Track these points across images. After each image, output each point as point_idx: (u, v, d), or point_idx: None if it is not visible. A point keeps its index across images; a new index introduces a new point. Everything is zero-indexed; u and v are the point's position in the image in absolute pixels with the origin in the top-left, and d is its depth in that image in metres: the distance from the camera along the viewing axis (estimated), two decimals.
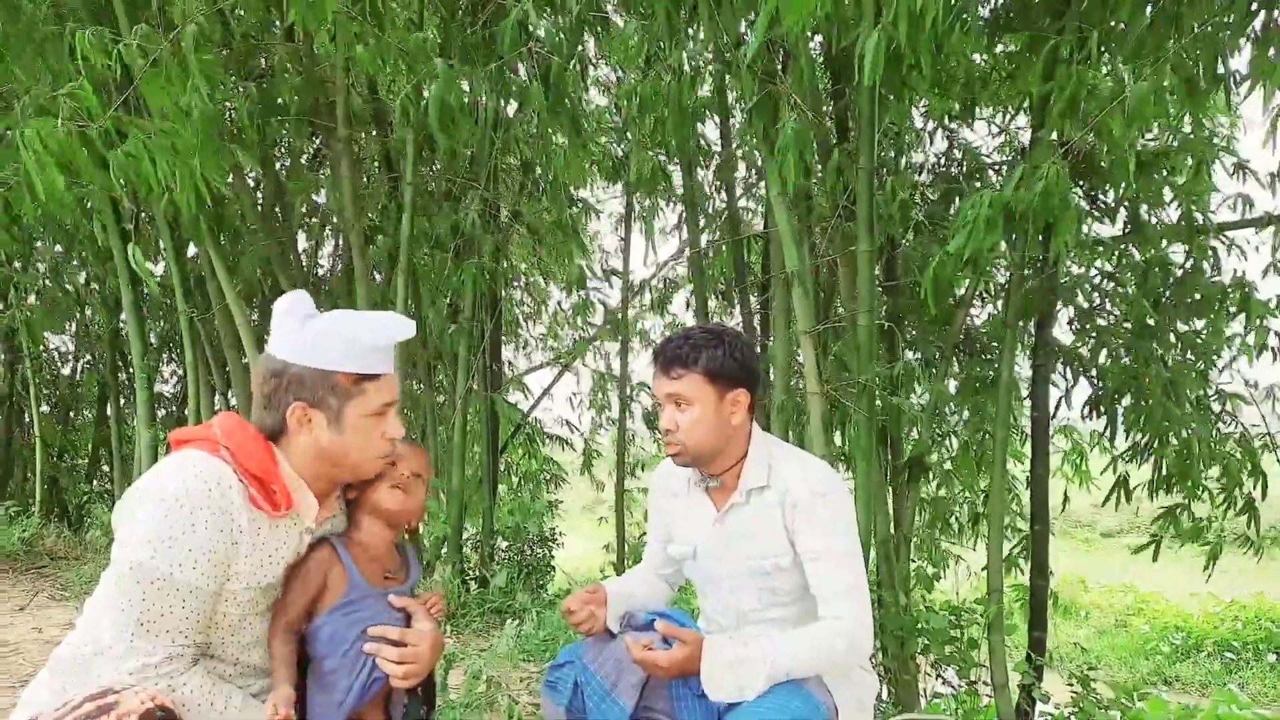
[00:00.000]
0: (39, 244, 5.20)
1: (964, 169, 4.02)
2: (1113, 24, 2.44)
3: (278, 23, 4.01)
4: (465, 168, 4.41)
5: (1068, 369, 3.95)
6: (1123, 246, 3.87)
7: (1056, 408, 3.90)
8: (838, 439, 3.81)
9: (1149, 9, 2.45)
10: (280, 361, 1.38)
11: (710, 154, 4.67)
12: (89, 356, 6.98)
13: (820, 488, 1.67)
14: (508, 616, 3.88)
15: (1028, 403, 3.91)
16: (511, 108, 4.34)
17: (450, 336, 4.35)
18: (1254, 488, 3.57)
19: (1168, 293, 3.73)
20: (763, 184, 4.13)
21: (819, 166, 3.34)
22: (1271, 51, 2.36)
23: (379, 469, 1.49)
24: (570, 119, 3.30)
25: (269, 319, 1.45)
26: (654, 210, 5.55)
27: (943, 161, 4.21)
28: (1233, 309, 3.59)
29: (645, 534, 3.80)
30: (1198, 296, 3.60)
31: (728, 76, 3.30)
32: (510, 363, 6.71)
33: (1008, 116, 4.04)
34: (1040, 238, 3.20)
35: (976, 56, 3.56)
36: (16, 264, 5.48)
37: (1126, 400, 3.74)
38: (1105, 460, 4.02)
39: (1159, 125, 3.57)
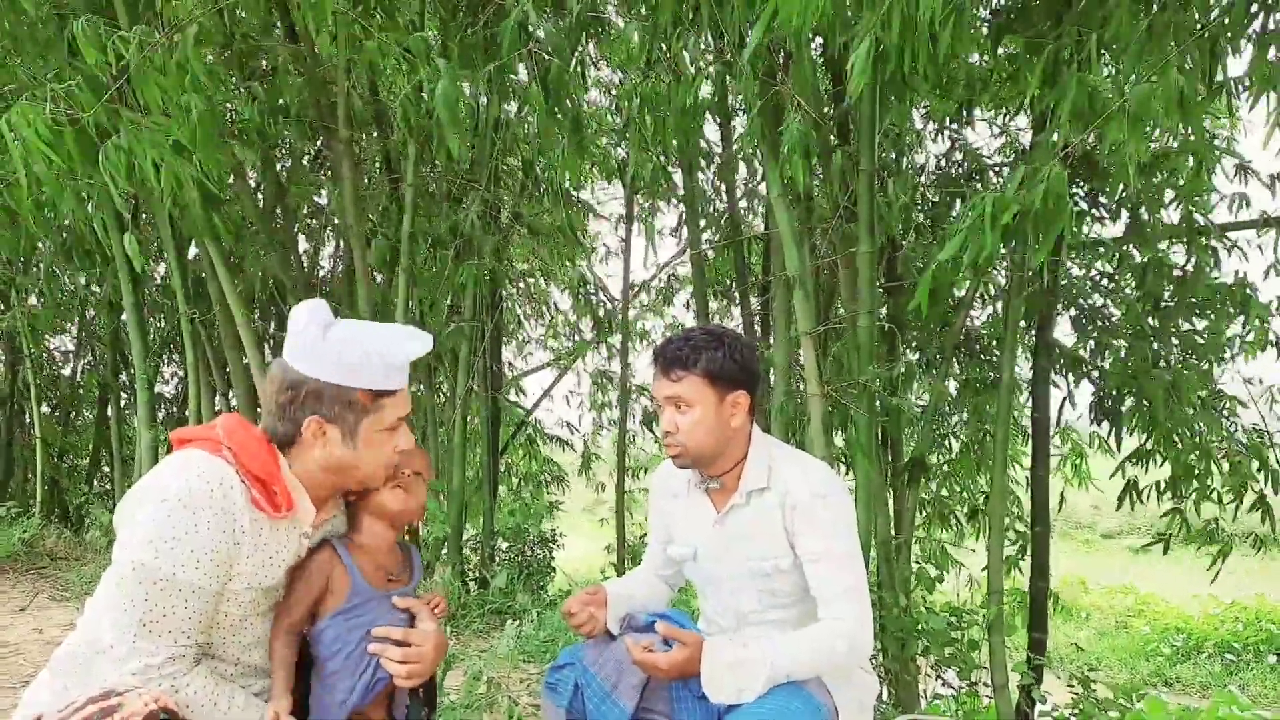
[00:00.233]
0: (39, 246, 5.20)
1: (965, 170, 4.03)
2: (1112, 27, 2.44)
3: (279, 23, 4.01)
4: (466, 169, 4.41)
5: (1069, 371, 3.95)
6: (1123, 248, 3.86)
7: (1060, 409, 3.90)
8: (838, 440, 3.81)
9: (1145, 13, 2.45)
10: (298, 374, 1.38)
11: (711, 155, 4.67)
12: (90, 357, 6.99)
13: (820, 489, 1.67)
14: (508, 617, 3.88)
15: (1028, 404, 3.91)
16: (512, 109, 4.35)
17: (450, 337, 4.35)
18: (1266, 484, 3.56)
19: (1169, 294, 3.73)
20: (763, 185, 4.13)
21: (819, 168, 3.34)
22: (1273, 53, 2.36)
23: (386, 478, 1.49)
24: (571, 120, 3.30)
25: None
26: (654, 211, 5.55)
27: (944, 163, 4.21)
28: (1233, 310, 3.59)
29: (646, 535, 3.80)
30: (1198, 298, 3.60)
31: (729, 77, 3.30)
32: (510, 363, 6.72)
33: (1008, 118, 4.04)
34: (1039, 238, 3.20)
35: (976, 58, 3.56)
36: (18, 265, 5.49)
37: (1129, 402, 3.73)
38: (1105, 461, 4.02)
39: (1160, 128, 3.57)
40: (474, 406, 4.60)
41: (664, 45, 2.94)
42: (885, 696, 3.17)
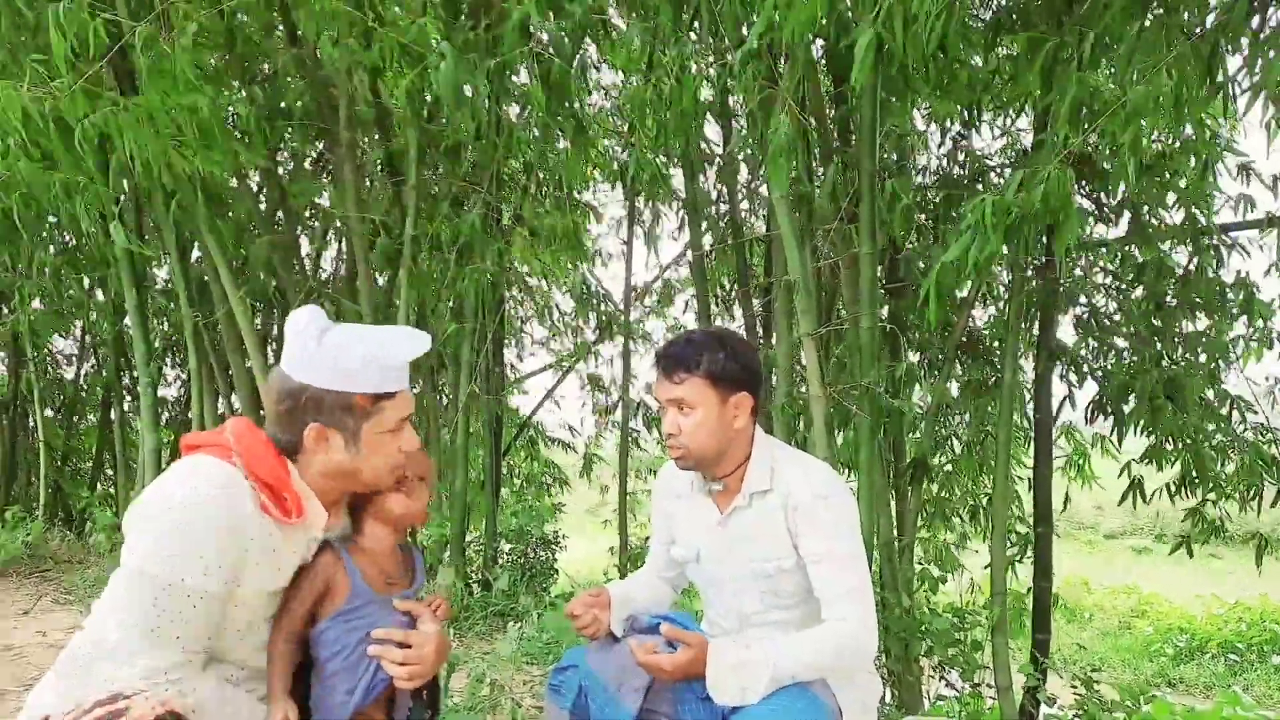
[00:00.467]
0: (41, 251, 5.21)
1: (967, 171, 4.03)
2: (1111, 27, 2.44)
3: (281, 26, 4.02)
4: (468, 171, 4.42)
5: (1071, 371, 3.95)
6: (1126, 248, 3.86)
7: (1059, 409, 3.90)
8: (840, 441, 3.81)
9: (1141, 14, 2.45)
10: (296, 382, 1.38)
11: (712, 157, 4.67)
12: (93, 360, 7.00)
13: (823, 490, 1.67)
14: (510, 619, 3.88)
15: (1030, 404, 3.91)
16: (514, 111, 4.35)
17: (452, 339, 4.36)
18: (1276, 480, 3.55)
19: (1171, 294, 3.73)
20: (764, 186, 4.14)
21: (820, 169, 3.35)
22: (1273, 54, 2.35)
23: (392, 481, 1.49)
24: (573, 121, 3.30)
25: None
26: (656, 213, 5.55)
27: (946, 164, 4.21)
28: (1235, 310, 3.59)
29: (649, 537, 3.81)
30: (1201, 298, 3.59)
31: (729, 79, 3.30)
32: (512, 365, 6.72)
33: (1010, 119, 4.04)
34: (1044, 239, 3.20)
35: (978, 59, 3.56)
36: (20, 268, 5.50)
37: (1131, 402, 3.73)
38: (1109, 461, 4.01)
39: (1159, 128, 3.57)
40: (475, 409, 4.60)
41: (664, 48, 2.94)
42: (888, 698, 3.17)
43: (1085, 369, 3.92)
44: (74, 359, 7.15)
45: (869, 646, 1.64)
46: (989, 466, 4.09)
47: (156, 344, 5.68)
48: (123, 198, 4.29)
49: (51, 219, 4.39)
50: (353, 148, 3.97)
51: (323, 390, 1.37)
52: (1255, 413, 3.70)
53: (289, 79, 4.19)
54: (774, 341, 3.89)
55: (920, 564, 3.95)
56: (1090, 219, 3.77)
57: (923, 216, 3.86)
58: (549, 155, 3.94)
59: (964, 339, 4.04)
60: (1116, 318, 3.92)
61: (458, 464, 4.35)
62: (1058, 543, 4.00)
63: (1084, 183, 3.57)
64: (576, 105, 3.41)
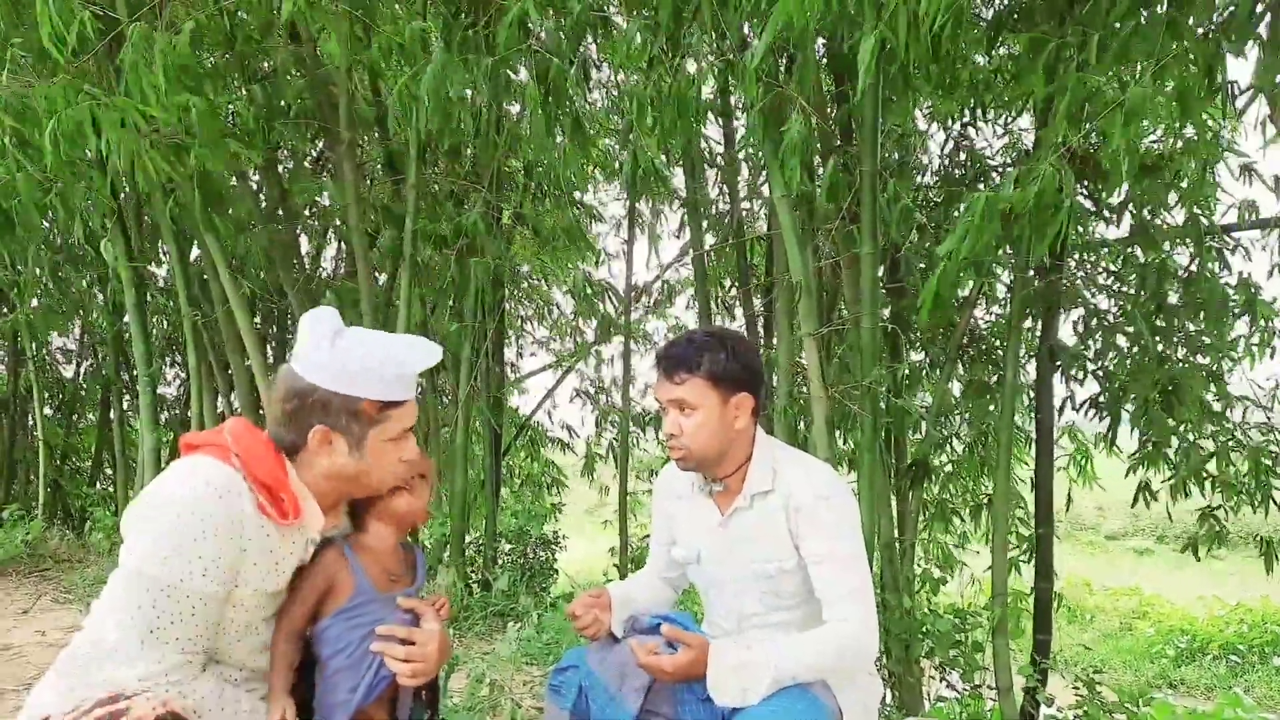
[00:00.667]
0: (36, 249, 5.21)
1: (968, 171, 4.02)
2: (1113, 28, 2.43)
3: (280, 25, 4.01)
4: (468, 169, 4.41)
5: (1071, 371, 3.94)
6: (1128, 249, 3.85)
7: (1060, 409, 3.89)
8: (841, 442, 3.81)
9: (1143, 13, 2.44)
10: (306, 383, 1.37)
11: (713, 156, 4.67)
12: (92, 359, 6.99)
13: (824, 491, 1.66)
14: (510, 620, 3.87)
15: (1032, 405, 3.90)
16: (514, 109, 4.35)
17: (453, 338, 4.35)
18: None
19: (1172, 295, 3.72)
20: (765, 186, 4.13)
21: (821, 170, 3.34)
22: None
23: (389, 488, 1.49)
24: (573, 120, 3.30)
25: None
26: (657, 213, 5.55)
27: (947, 164, 4.20)
28: (1238, 311, 3.58)
29: (649, 537, 3.80)
30: (1202, 300, 3.58)
31: (730, 78, 3.30)
32: (512, 365, 6.72)
33: (1011, 118, 4.04)
34: (1035, 236, 3.19)
35: (980, 58, 3.55)
36: (20, 267, 5.50)
37: (1131, 403, 3.72)
38: (1111, 462, 4.00)
39: (1163, 129, 3.56)
40: (476, 408, 4.59)
41: (665, 45, 2.93)
42: (889, 699, 3.16)
43: (1085, 370, 3.91)
44: (73, 357, 7.15)
45: (870, 647, 1.64)
46: (990, 467, 4.08)
47: (156, 343, 5.67)
48: (123, 195, 4.30)
49: (51, 217, 4.39)
50: (353, 146, 3.97)
51: (331, 393, 1.36)
52: (1265, 409, 3.69)
53: (289, 77, 4.18)
54: (775, 341, 3.89)
55: (921, 565, 3.94)
56: (1092, 219, 3.76)
57: (924, 216, 3.85)
58: (548, 154, 3.93)
59: (966, 339, 4.03)
60: (1118, 318, 3.91)
61: (457, 464, 4.35)
62: (1059, 544, 3.99)
63: (1085, 183, 3.56)
64: (575, 103, 3.40)
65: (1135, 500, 3.80)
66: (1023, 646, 3.82)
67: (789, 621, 1.73)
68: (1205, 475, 3.61)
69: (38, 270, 5.42)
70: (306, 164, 5.16)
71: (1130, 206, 3.69)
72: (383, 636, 1.46)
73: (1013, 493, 3.90)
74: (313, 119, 4.18)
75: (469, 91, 3.55)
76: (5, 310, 5.97)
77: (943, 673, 3.41)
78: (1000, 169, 3.97)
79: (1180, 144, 3.45)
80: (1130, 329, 3.71)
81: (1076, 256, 3.95)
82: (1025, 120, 3.83)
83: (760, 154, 3.76)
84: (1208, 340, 3.65)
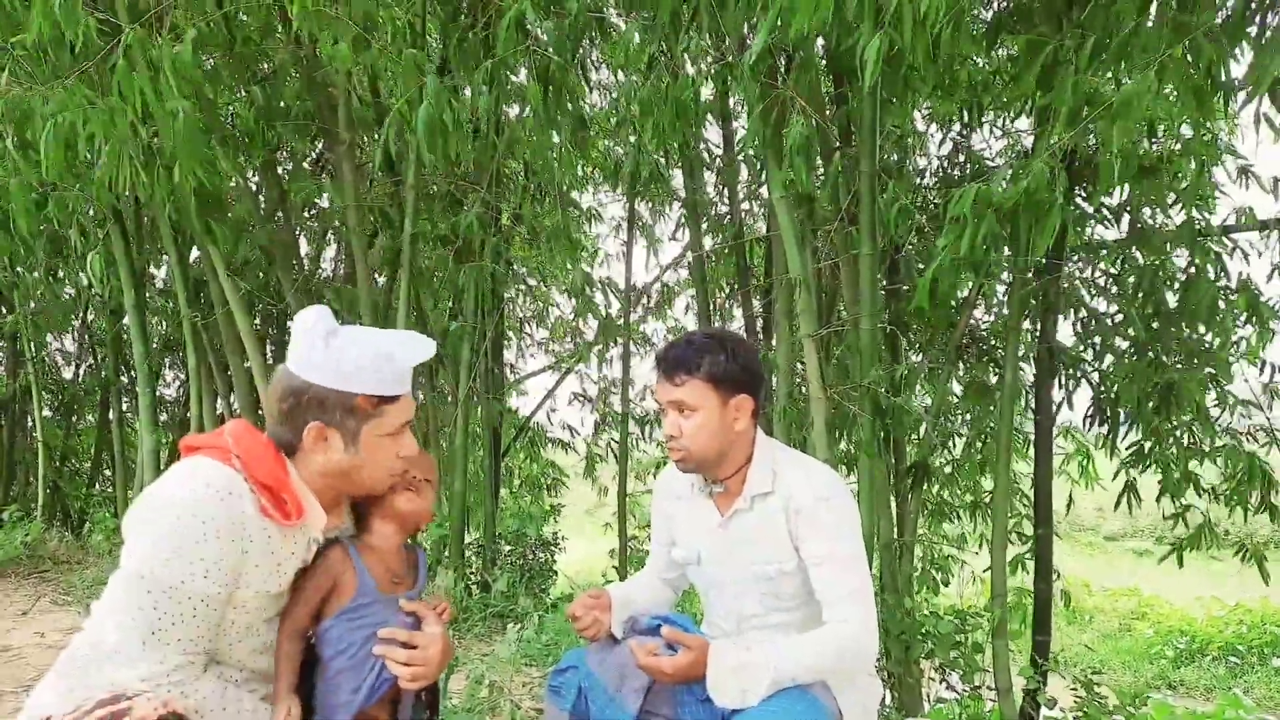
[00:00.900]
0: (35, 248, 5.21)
1: (967, 172, 4.02)
2: (1111, 30, 2.44)
3: (280, 29, 4.01)
4: (467, 171, 4.41)
5: (1069, 372, 3.94)
6: (1126, 250, 3.86)
7: (1057, 410, 3.89)
8: (841, 443, 3.81)
9: (1142, 13, 2.45)
10: (301, 381, 1.38)
11: (712, 158, 4.67)
12: (91, 360, 6.99)
13: (824, 492, 1.66)
14: (509, 621, 3.87)
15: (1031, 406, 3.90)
16: (513, 110, 4.35)
17: (452, 339, 4.35)
18: (1263, 488, 3.55)
19: (1171, 296, 3.72)
20: (765, 187, 4.13)
21: (821, 170, 3.34)
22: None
23: (389, 485, 1.50)
24: (573, 120, 3.30)
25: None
26: (656, 214, 5.55)
27: (946, 165, 4.21)
28: (1238, 313, 3.58)
29: (649, 538, 3.80)
30: (1198, 303, 3.58)
31: (729, 79, 3.30)
32: (511, 366, 6.72)
33: (1010, 119, 4.04)
34: (1032, 233, 3.19)
35: (979, 60, 3.56)
36: (18, 269, 5.49)
37: (1129, 404, 3.72)
38: (1111, 462, 4.00)
39: (1162, 130, 3.57)
40: (475, 409, 4.59)
41: (664, 46, 2.94)
42: (889, 700, 3.16)
43: (1083, 372, 3.91)
44: (73, 358, 7.15)
45: (870, 649, 1.64)
46: (990, 468, 4.08)
47: (155, 344, 5.67)
48: (121, 198, 4.30)
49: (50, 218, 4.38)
50: (352, 147, 3.97)
51: (326, 389, 1.37)
52: (1260, 410, 3.69)
53: (288, 79, 4.18)
54: (774, 343, 3.89)
55: (921, 565, 3.94)
56: (1090, 221, 3.77)
57: (923, 217, 3.85)
58: (547, 155, 3.93)
59: (965, 340, 4.03)
60: (1117, 319, 3.91)
61: (457, 465, 4.35)
62: (1058, 544, 3.99)
63: (1084, 185, 3.56)
64: (574, 104, 3.40)
65: (1119, 502, 3.82)
66: (1022, 648, 3.83)
67: (789, 623, 1.73)
68: (1193, 476, 3.62)
69: (35, 274, 5.42)
70: (306, 165, 5.16)
71: (1129, 208, 3.69)
72: (385, 639, 1.46)
73: (1011, 493, 3.90)
74: (312, 120, 4.19)
75: (467, 91, 3.55)
76: (4, 311, 5.97)
77: (942, 674, 3.42)
78: (999, 170, 3.98)
79: (1179, 146, 3.45)
80: (1130, 331, 3.71)
81: (1075, 258, 3.96)
82: (1024, 123, 3.84)
83: (759, 155, 3.76)
84: (1205, 343, 3.65)
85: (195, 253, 4.46)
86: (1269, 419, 3.72)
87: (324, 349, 1.38)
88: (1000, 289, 4.16)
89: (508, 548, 4.82)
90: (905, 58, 2.31)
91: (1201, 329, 3.64)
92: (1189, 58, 2.28)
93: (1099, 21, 2.48)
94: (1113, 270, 4.00)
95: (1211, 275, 3.56)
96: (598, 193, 6.08)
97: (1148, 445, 3.71)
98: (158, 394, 5.42)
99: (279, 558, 1.38)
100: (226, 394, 4.65)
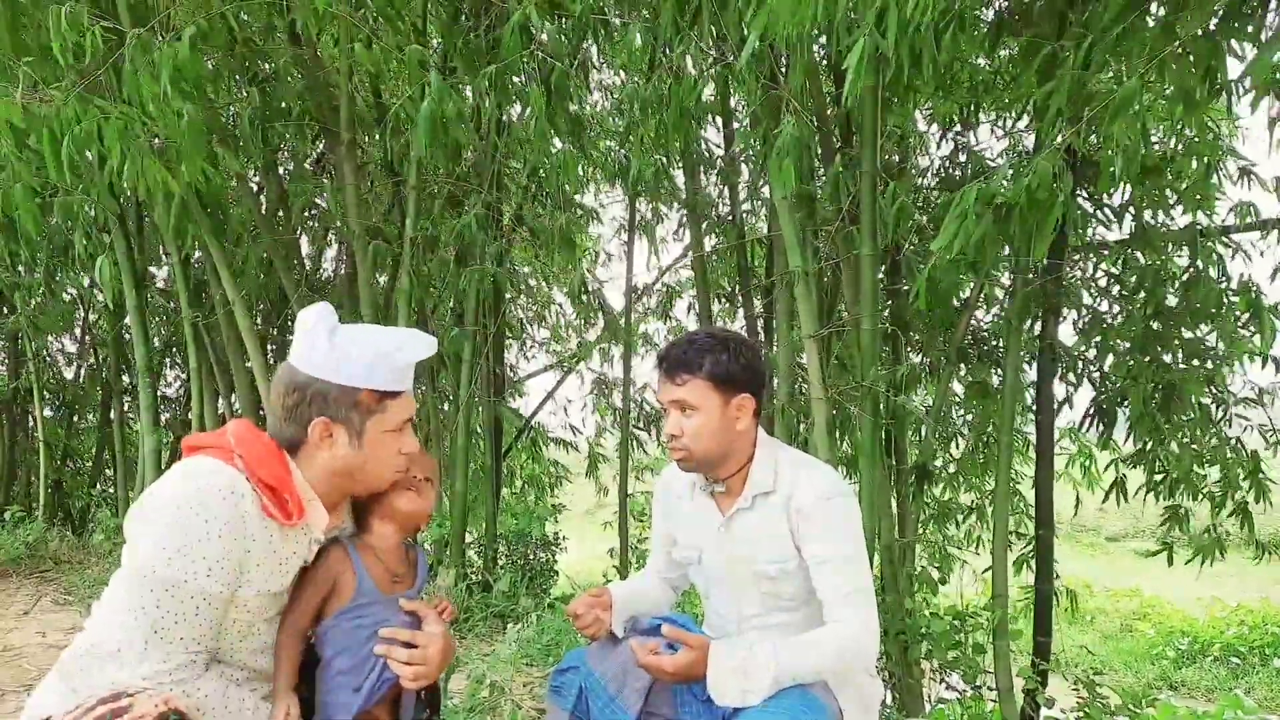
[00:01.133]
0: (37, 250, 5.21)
1: (968, 173, 4.02)
2: (1110, 30, 2.44)
3: (280, 28, 4.02)
4: (468, 171, 4.41)
5: (1070, 373, 3.94)
6: (1128, 251, 3.85)
7: (1058, 410, 3.89)
8: (842, 444, 3.81)
9: (1147, 15, 2.45)
10: (305, 376, 1.39)
11: (714, 158, 4.67)
12: (93, 359, 6.99)
13: (826, 492, 1.66)
14: (510, 621, 3.87)
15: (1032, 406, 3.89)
16: (515, 111, 4.35)
17: (453, 340, 4.35)
18: (1249, 492, 3.56)
19: (1173, 297, 3.72)
20: (766, 187, 4.13)
21: (821, 170, 3.34)
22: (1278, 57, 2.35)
23: (392, 482, 1.50)
24: (574, 122, 3.30)
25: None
26: (657, 214, 5.55)
27: (948, 165, 4.21)
28: (1239, 313, 3.58)
29: (649, 538, 3.79)
30: (1201, 300, 3.58)
31: (730, 80, 3.30)
32: (513, 366, 6.71)
33: (1011, 120, 4.04)
34: (1032, 233, 3.19)
35: (980, 60, 3.55)
36: (20, 269, 5.50)
37: (1129, 405, 3.72)
38: (1108, 458, 4.01)
39: (1164, 129, 3.57)
40: (476, 410, 4.59)
41: (666, 47, 2.94)
42: (889, 700, 3.16)
43: (1083, 372, 3.91)
44: (74, 357, 7.15)
45: (871, 649, 1.64)
46: (991, 468, 4.08)
47: (156, 343, 5.67)
48: (123, 199, 4.30)
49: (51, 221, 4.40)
50: (353, 147, 3.97)
51: (329, 384, 1.38)
52: (1264, 404, 3.69)
53: (289, 78, 4.18)
54: (775, 342, 3.89)
55: (921, 564, 3.94)
56: (1091, 221, 3.77)
57: (924, 217, 3.85)
58: (548, 159, 3.93)
59: (967, 340, 4.03)
60: (1119, 321, 3.91)
61: (458, 465, 4.35)
62: (1059, 545, 3.99)
63: (1086, 185, 3.56)
64: (576, 106, 3.41)
65: (1106, 496, 3.83)
66: (1023, 648, 3.82)
67: (790, 622, 1.73)
68: (1195, 478, 3.62)
69: (37, 274, 5.42)
70: (307, 165, 5.16)
71: (1130, 208, 3.69)
72: (386, 639, 1.46)
73: (1012, 494, 3.90)
74: (313, 120, 4.19)
75: (469, 91, 3.55)
76: (5, 311, 5.97)
77: (943, 674, 3.41)
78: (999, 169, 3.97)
79: (1181, 146, 3.45)
80: (1131, 330, 3.71)
81: (1076, 258, 3.96)
82: (1025, 123, 3.83)
83: (759, 155, 3.76)
84: (1207, 344, 3.65)
85: (197, 253, 4.45)
86: (1270, 419, 3.71)
87: (327, 345, 1.39)
88: (1000, 290, 4.16)
89: (508, 548, 4.82)
90: (893, 60, 2.31)
91: (1202, 329, 3.64)
92: (1189, 56, 2.28)
93: (1097, 22, 2.48)
94: (1114, 270, 4.00)
95: (1213, 275, 3.56)
96: (599, 194, 6.08)
97: (1148, 446, 3.71)
98: (159, 394, 5.42)
99: (281, 557, 1.38)
100: (228, 394, 4.65)
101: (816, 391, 2.95)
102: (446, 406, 5.01)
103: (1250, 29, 2.33)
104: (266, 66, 4.15)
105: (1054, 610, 3.70)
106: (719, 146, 4.69)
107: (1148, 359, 3.61)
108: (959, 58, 3.24)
